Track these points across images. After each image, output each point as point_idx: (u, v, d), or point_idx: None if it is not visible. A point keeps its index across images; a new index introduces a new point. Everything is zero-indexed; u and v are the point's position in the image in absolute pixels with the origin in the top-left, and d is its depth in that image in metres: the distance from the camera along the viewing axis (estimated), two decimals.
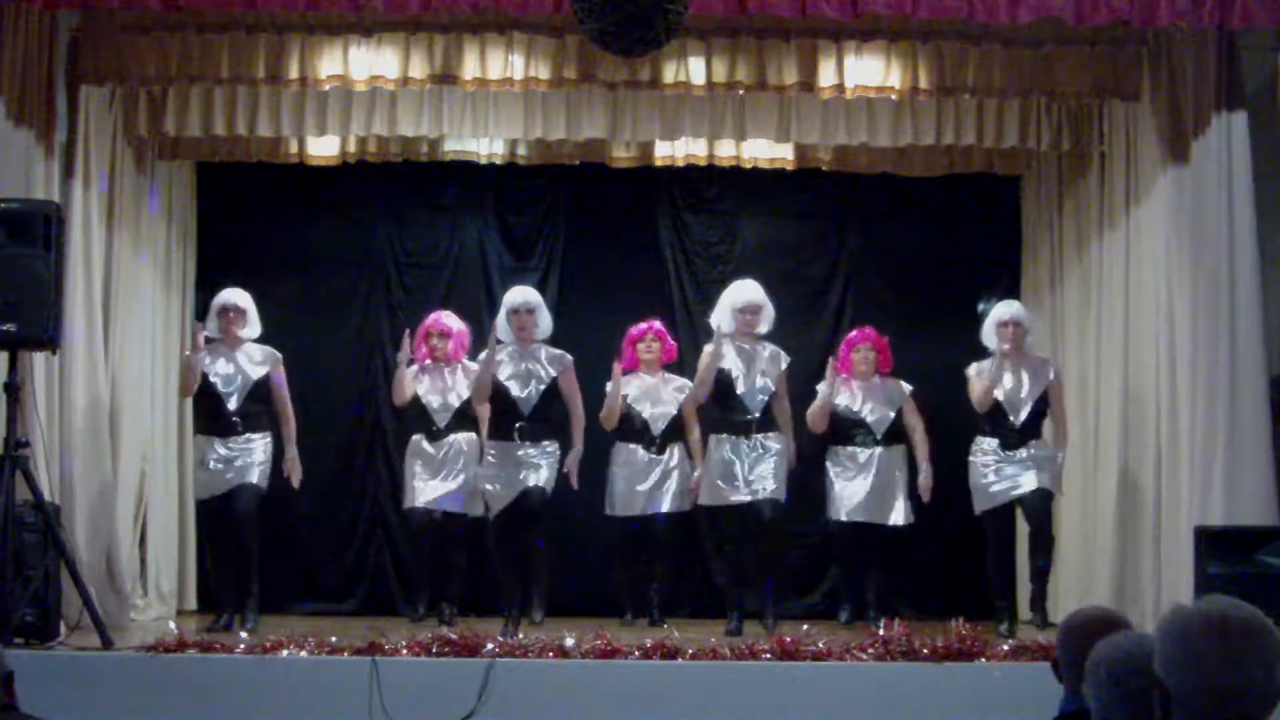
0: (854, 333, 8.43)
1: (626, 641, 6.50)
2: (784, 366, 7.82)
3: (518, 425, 7.51)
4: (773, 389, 7.73)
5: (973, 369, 7.80)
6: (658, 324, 8.44)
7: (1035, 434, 7.67)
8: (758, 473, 7.57)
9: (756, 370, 7.71)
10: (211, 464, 7.57)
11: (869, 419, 8.18)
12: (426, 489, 8.04)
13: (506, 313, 7.72)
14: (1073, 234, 8.55)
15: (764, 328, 7.81)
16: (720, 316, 7.83)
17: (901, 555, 8.54)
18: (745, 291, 7.81)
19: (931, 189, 9.01)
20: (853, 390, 8.24)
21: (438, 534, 8.14)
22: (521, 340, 7.65)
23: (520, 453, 7.51)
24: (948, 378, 8.71)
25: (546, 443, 7.58)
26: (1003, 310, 7.85)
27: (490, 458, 7.58)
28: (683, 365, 8.95)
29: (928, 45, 7.47)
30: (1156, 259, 7.46)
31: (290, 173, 8.76)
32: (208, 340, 7.70)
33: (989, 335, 7.82)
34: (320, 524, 8.96)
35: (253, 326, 7.78)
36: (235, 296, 7.75)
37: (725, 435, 7.67)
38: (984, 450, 7.66)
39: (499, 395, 7.51)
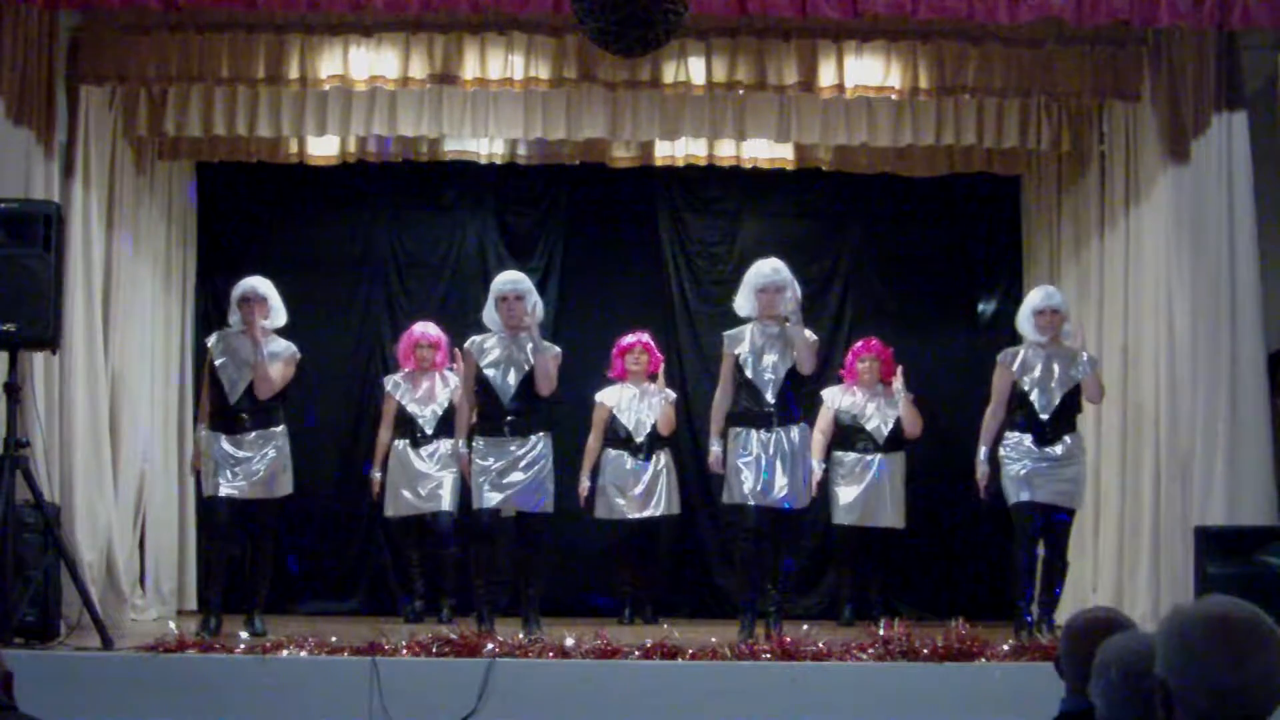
0: (859, 343, 8.58)
1: (626, 641, 6.49)
2: (801, 342, 7.08)
3: (506, 420, 7.04)
4: (787, 374, 7.06)
5: (1002, 355, 7.38)
6: (645, 337, 8.49)
7: (1069, 427, 7.25)
8: (777, 477, 7.00)
9: (774, 355, 7.09)
10: (222, 461, 7.26)
11: (870, 426, 8.36)
12: (409, 498, 8.20)
13: (494, 300, 7.19)
14: (1072, 234, 8.55)
15: (786, 309, 7.08)
16: (741, 300, 7.25)
17: (901, 555, 8.58)
18: (764, 272, 7.17)
19: (931, 189, 9.01)
20: (856, 396, 8.39)
21: (429, 533, 8.22)
22: (510, 328, 7.13)
23: (511, 448, 7.04)
24: (947, 378, 8.74)
25: (535, 436, 7.07)
26: (1039, 299, 7.37)
27: (479, 457, 7.06)
28: (682, 365, 8.99)
29: (928, 45, 7.47)
30: (1156, 259, 7.46)
31: (290, 173, 8.77)
32: (224, 329, 7.53)
33: (1024, 323, 7.37)
34: (320, 524, 8.97)
35: (276, 315, 7.45)
36: (256, 284, 7.41)
37: (741, 429, 7.07)
38: (1016, 446, 7.21)
39: (483, 384, 7.13)
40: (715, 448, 7.22)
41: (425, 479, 8.18)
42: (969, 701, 6.10)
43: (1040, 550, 7.34)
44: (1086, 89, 7.59)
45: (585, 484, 8.38)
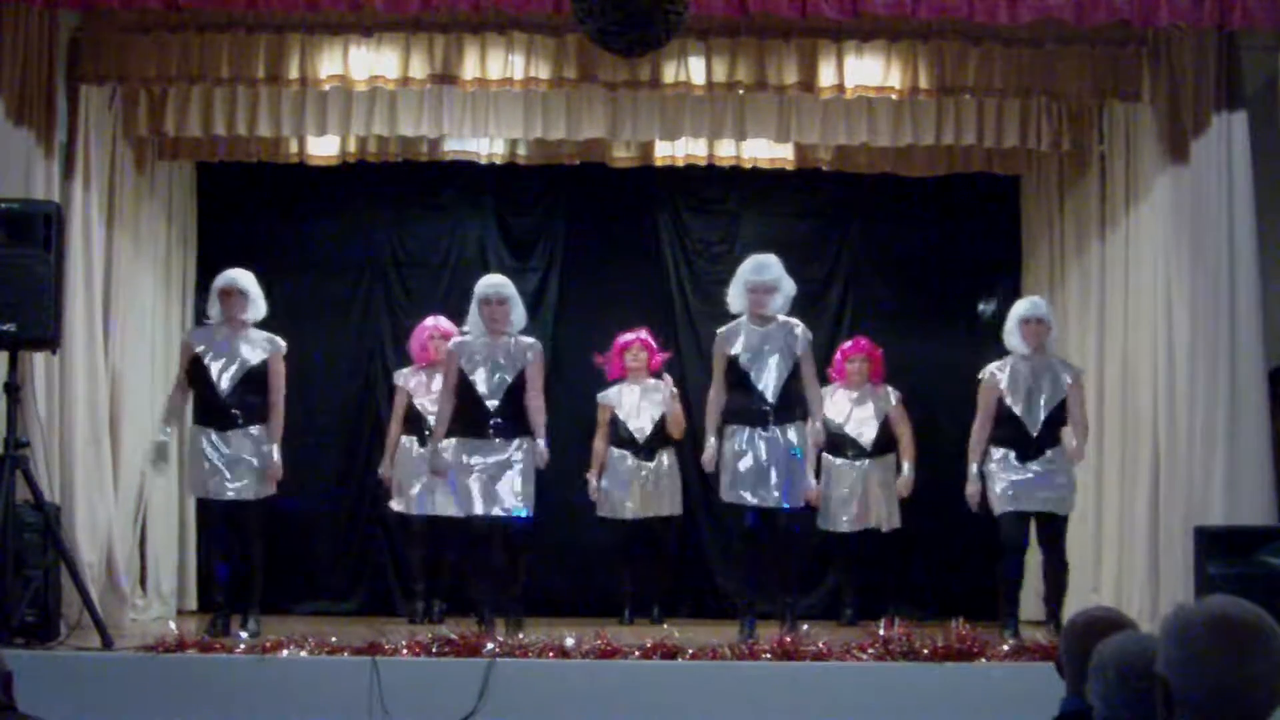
0: (849, 343, 8.54)
1: (626, 641, 6.50)
2: (801, 350, 7.19)
3: (491, 423, 7.10)
4: (787, 373, 7.11)
5: (986, 374, 7.40)
6: (644, 333, 8.50)
7: (1053, 442, 7.28)
8: (776, 477, 7.03)
9: (770, 353, 7.14)
10: (210, 460, 7.24)
11: (856, 433, 8.34)
12: (417, 495, 8.15)
13: (478, 303, 7.23)
14: (1073, 234, 8.55)
15: (778, 307, 7.22)
16: (733, 295, 7.29)
17: (900, 556, 8.57)
18: (757, 269, 7.23)
19: (931, 189, 9.01)
20: (842, 402, 8.36)
21: (428, 533, 8.20)
22: (492, 332, 7.18)
23: (495, 453, 7.09)
24: (946, 378, 8.73)
25: (519, 440, 7.11)
26: (1026, 308, 7.43)
27: (464, 457, 7.12)
28: (682, 365, 8.97)
29: (928, 45, 7.47)
30: (1156, 259, 7.46)
31: (290, 173, 8.77)
32: (202, 323, 7.54)
33: (1011, 334, 7.39)
34: (320, 524, 8.97)
35: (256, 308, 7.41)
36: (236, 277, 7.38)
37: (738, 426, 7.11)
38: (1002, 461, 7.25)
39: (466, 389, 7.15)
40: (711, 444, 7.22)
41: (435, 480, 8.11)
42: (969, 701, 6.10)
43: (1039, 558, 7.38)
44: (1086, 89, 7.59)
45: (594, 484, 8.37)
